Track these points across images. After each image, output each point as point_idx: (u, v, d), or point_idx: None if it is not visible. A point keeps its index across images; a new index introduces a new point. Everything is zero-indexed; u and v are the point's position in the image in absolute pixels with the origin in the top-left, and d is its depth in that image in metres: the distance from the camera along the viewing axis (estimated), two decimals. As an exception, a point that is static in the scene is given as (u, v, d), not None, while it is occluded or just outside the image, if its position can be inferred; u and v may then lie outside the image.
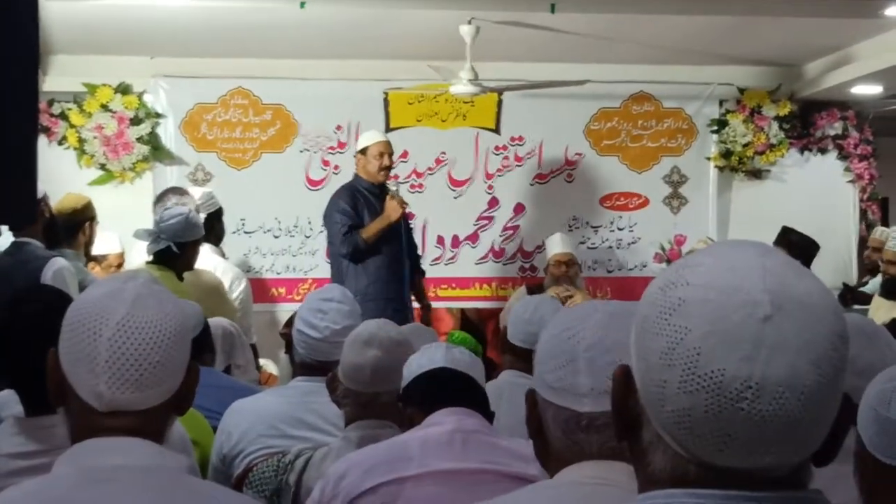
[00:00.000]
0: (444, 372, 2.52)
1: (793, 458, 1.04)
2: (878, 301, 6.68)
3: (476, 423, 2.43)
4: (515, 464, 2.32)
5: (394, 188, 6.41)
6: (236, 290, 5.89)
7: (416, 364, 2.57)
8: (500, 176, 7.82)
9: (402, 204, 6.34)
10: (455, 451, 2.36)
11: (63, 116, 7.28)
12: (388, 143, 6.47)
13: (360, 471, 2.38)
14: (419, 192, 7.69)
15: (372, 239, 6.26)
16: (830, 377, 1.03)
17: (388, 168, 6.45)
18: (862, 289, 7.21)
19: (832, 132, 8.07)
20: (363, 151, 6.46)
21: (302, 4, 5.96)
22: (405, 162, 7.65)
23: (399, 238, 6.40)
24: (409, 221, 6.94)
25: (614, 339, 1.59)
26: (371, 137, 6.53)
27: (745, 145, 7.91)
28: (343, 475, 2.39)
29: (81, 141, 7.28)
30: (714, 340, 1.02)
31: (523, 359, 3.50)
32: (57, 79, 7.16)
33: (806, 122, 8.04)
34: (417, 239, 7.58)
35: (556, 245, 7.02)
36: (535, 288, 6.86)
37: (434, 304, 7.22)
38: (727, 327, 1.02)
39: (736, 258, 1.06)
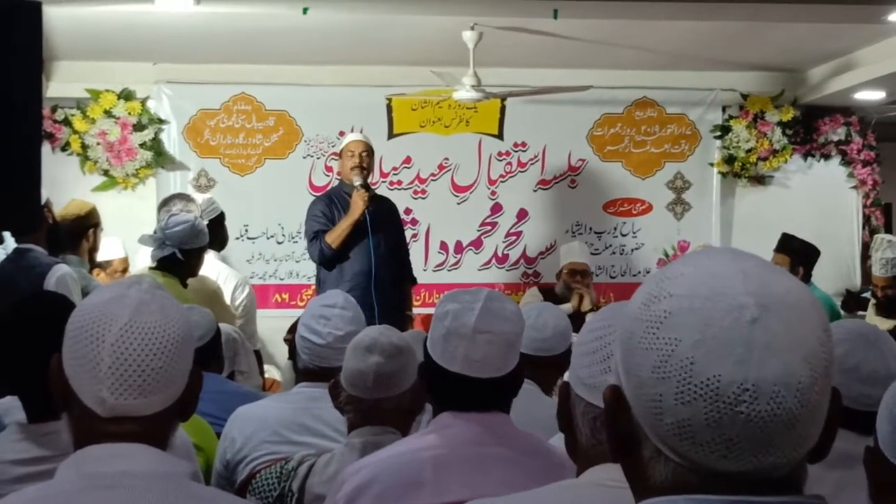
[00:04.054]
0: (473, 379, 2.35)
1: (793, 456, 1.05)
2: (872, 319, 6.62)
3: (496, 433, 2.31)
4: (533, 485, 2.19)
5: (357, 182, 6.14)
6: (240, 296, 5.90)
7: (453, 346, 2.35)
8: (503, 182, 7.83)
9: (365, 200, 6.08)
10: (470, 475, 2.25)
11: (66, 122, 7.29)
12: (361, 142, 6.32)
13: (381, 487, 2.27)
14: (422, 198, 7.70)
15: (337, 241, 6.11)
16: (821, 371, 1.04)
17: (362, 167, 6.21)
18: (865, 295, 7.18)
19: (835, 138, 8.06)
20: (340, 154, 6.42)
21: (305, 10, 5.95)
22: (408, 168, 7.67)
23: (367, 243, 6.17)
24: (415, 227, 6.84)
25: None
26: (345, 138, 6.48)
27: (749, 151, 7.91)
28: (357, 495, 2.28)
29: (85, 147, 7.29)
30: (706, 348, 1.03)
31: (527, 364, 3.46)
32: (60, 85, 7.16)
33: (809, 127, 8.04)
34: (420, 245, 7.59)
35: (574, 253, 6.95)
36: (548, 290, 6.84)
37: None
38: (717, 333, 1.03)
39: (714, 265, 1.08)
